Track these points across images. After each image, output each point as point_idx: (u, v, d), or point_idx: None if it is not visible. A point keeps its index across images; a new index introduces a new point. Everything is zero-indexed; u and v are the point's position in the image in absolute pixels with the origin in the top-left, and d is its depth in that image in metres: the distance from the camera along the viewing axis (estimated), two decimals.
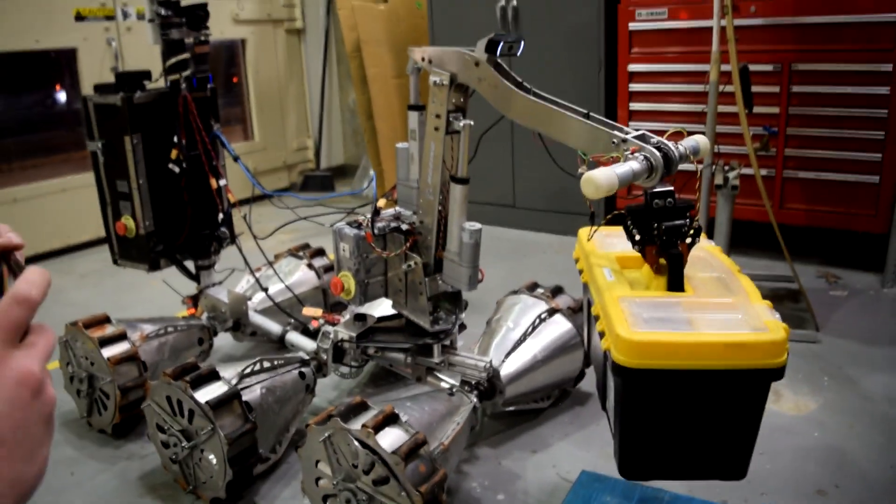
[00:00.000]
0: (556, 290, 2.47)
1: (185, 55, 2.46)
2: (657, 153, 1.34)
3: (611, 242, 1.59)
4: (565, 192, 4.21)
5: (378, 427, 1.70)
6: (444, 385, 2.15)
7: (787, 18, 3.36)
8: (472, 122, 1.85)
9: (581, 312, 2.40)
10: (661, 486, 1.96)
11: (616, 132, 1.44)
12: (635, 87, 3.85)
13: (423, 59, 1.91)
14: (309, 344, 2.43)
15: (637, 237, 1.37)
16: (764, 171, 3.41)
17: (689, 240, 1.35)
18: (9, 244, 0.66)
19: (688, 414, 1.26)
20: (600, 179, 1.24)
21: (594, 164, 1.36)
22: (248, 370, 2.12)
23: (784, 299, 3.19)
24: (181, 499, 2.08)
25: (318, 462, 1.81)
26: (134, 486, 2.15)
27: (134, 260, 2.58)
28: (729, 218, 2.96)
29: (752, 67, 3.03)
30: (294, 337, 2.53)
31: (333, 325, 2.30)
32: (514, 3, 4.13)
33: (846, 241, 3.71)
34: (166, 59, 2.46)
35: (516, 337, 2.27)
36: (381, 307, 2.21)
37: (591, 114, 1.56)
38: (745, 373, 1.19)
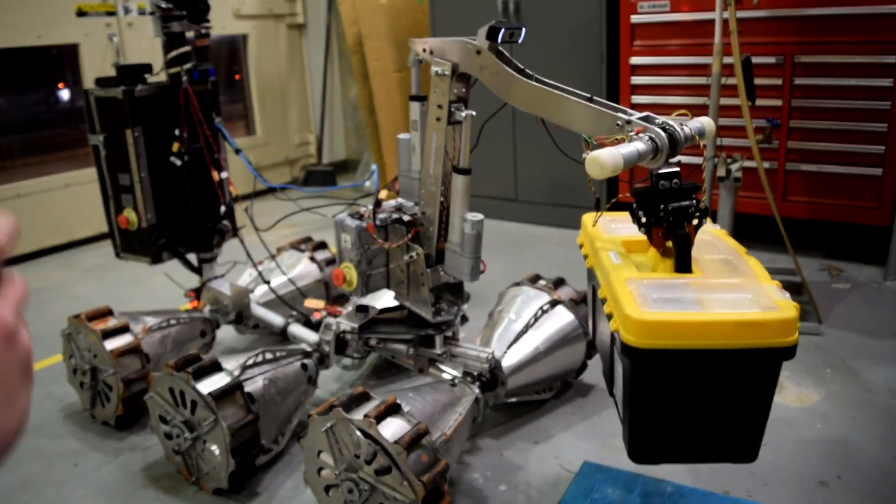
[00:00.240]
0: (559, 282, 2.46)
1: (187, 48, 2.46)
2: (662, 133, 1.33)
3: (615, 228, 1.58)
4: (567, 185, 4.20)
5: (380, 417, 1.70)
6: (446, 376, 2.15)
7: (789, 10, 3.35)
8: (473, 113, 1.85)
9: (584, 304, 2.40)
10: (663, 478, 1.96)
11: (620, 114, 1.44)
12: (637, 80, 3.84)
13: (424, 51, 1.90)
14: (311, 336, 2.43)
15: (643, 219, 1.36)
16: (766, 164, 3.40)
17: (695, 221, 1.34)
18: None
19: (698, 395, 1.24)
20: (605, 159, 1.23)
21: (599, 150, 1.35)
22: (251, 361, 2.12)
23: (787, 292, 3.18)
24: (184, 490, 2.08)
25: (320, 452, 1.81)
26: (137, 477, 2.16)
27: (136, 253, 2.58)
28: (731, 210, 2.95)
29: (755, 60, 3.02)
30: (296, 329, 2.53)
31: (336, 316, 2.30)
32: None
33: (849, 233, 3.71)
34: (167, 52, 2.46)
35: (518, 328, 2.27)
36: (383, 298, 2.22)
37: (595, 98, 1.56)
38: (756, 352, 1.17)
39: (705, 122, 1.48)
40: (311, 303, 2.45)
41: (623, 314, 1.20)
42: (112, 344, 2.30)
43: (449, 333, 2.13)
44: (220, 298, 2.67)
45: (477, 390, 2.07)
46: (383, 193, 2.08)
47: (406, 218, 2.02)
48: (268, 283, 2.73)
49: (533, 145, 4.32)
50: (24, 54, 4.25)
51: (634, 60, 3.82)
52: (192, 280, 2.79)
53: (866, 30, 3.22)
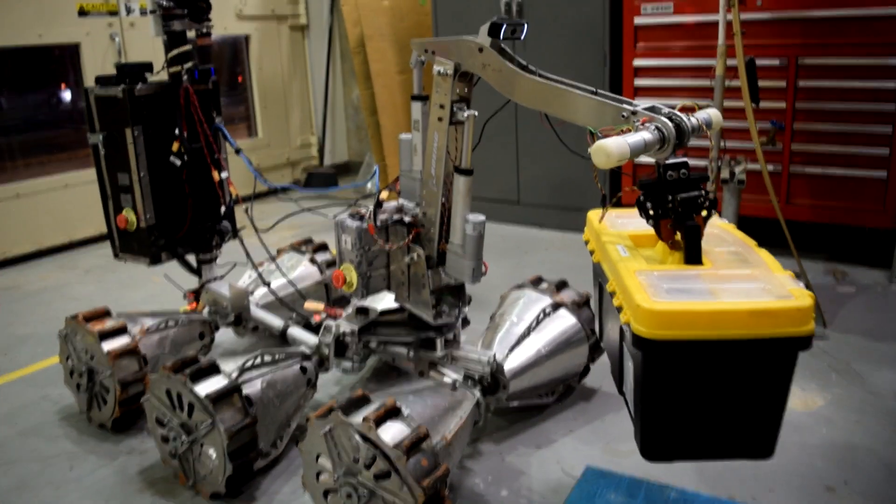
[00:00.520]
0: (561, 285, 2.44)
1: (188, 47, 2.44)
2: (669, 123, 1.30)
3: (622, 223, 1.56)
4: (569, 187, 4.18)
5: (379, 420, 1.68)
6: (447, 380, 2.12)
7: (793, 12, 3.33)
8: (476, 113, 1.83)
9: (586, 307, 2.37)
10: (667, 482, 1.94)
11: (625, 105, 1.41)
12: (641, 82, 3.82)
13: (426, 51, 1.88)
14: (311, 338, 2.41)
15: (651, 211, 1.33)
16: (770, 167, 3.38)
17: (704, 212, 1.31)
18: None
19: (712, 388, 1.21)
20: (611, 147, 1.21)
21: None
22: (249, 364, 2.09)
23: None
24: (181, 494, 2.06)
25: (318, 456, 1.79)
26: (133, 480, 2.13)
27: (135, 253, 2.56)
28: (735, 213, 2.93)
29: (759, 62, 3.00)
30: (296, 331, 2.50)
31: (335, 318, 2.28)
32: None
33: (854, 236, 3.68)
34: (168, 51, 2.44)
35: (520, 331, 2.25)
36: (384, 300, 2.19)
37: (599, 91, 1.53)
38: (771, 342, 1.15)
39: (712, 112, 1.46)
40: (310, 305, 2.43)
41: (634, 305, 1.17)
42: (109, 345, 2.28)
43: (450, 336, 2.11)
44: (219, 300, 2.65)
45: (478, 394, 2.05)
46: (384, 194, 2.06)
47: (407, 219, 1.99)
48: (268, 284, 2.71)
49: (535, 147, 4.30)
50: (25, 54, 4.24)
51: (638, 62, 3.80)
52: (192, 281, 2.77)
53: (870, 32, 3.20)
